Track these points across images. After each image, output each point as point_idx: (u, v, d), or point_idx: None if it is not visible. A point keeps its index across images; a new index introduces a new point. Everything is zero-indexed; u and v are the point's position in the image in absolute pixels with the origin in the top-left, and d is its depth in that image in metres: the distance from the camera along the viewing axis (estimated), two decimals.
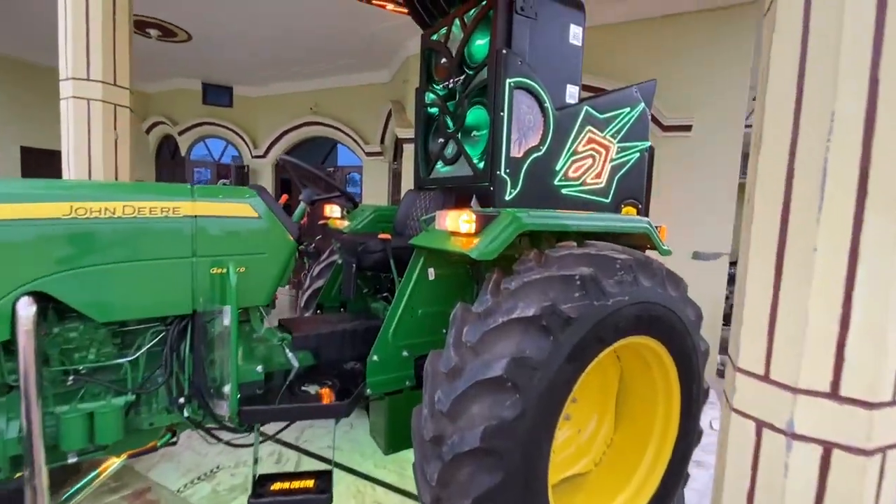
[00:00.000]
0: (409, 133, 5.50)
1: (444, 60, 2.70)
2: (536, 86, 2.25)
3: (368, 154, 7.18)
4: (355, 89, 7.32)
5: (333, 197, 2.28)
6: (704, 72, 4.17)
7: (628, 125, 2.67)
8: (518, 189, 2.26)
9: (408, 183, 5.75)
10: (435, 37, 2.74)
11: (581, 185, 2.52)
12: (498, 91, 2.17)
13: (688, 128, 4.20)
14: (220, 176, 8.26)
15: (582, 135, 2.46)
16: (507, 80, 2.16)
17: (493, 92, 2.19)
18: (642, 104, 2.70)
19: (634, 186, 2.75)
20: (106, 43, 3.01)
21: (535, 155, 2.29)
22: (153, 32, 5.65)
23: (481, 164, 2.32)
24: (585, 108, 2.46)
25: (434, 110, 2.82)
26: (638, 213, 2.80)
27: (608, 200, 2.65)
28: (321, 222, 2.98)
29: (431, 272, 2.00)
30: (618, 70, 4.26)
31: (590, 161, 2.54)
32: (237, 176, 7.83)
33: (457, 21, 2.52)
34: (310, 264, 5.69)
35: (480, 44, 2.41)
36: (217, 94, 8.21)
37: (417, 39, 5.95)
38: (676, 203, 4.32)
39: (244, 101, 8.27)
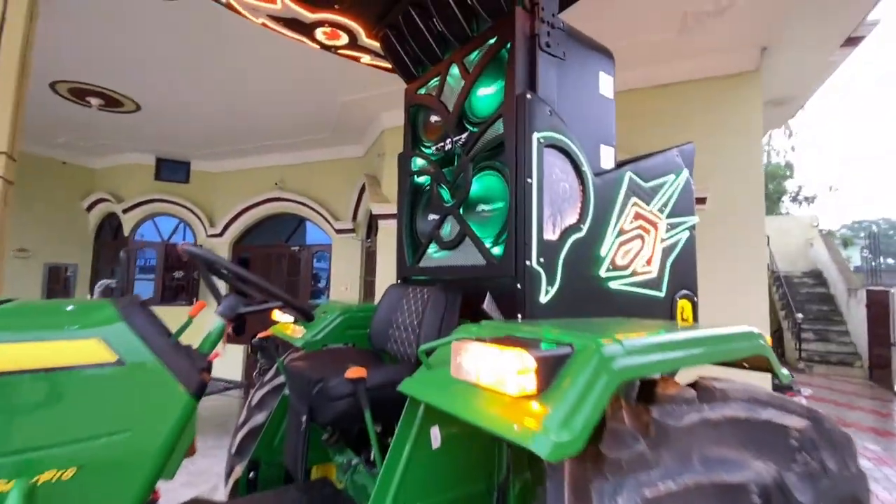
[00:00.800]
0: (386, 208, 4.87)
1: (435, 118, 2.10)
2: (571, 144, 1.63)
3: (339, 231, 6.49)
4: (325, 164, 6.80)
5: (272, 308, 1.48)
6: (711, 140, 3.81)
7: (675, 196, 2.07)
8: (557, 286, 1.54)
9: (384, 264, 5.01)
10: (423, 90, 2.16)
11: (631, 274, 1.84)
12: (523, 150, 1.53)
13: (702, 200, 3.74)
14: (166, 265, 7.28)
15: (627, 208, 1.83)
16: (535, 135, 1.53)
17: (515, 151, 1.55)
18: (686, 171, 2.14)
19: (687, 273, 2.10)
20: None
21: (574, 236, 1.61)
22: (94, 101, 5.02)
23: (498, 251, 1.61)
24: (628, 173, 1.85)
25: (423, 180, 2.16)
26: (694, 309, 2.13)
27: (662, 294, 1.97)
28: (263, 335, 2.10)
29: (436, 435, 1.18)
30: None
31: (638, 243, 1.88)
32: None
33: (453, 67, 1.95)
34: (261, 366, 4.55)
35: (487, 93, 1.82)
36: (172, 170, 7.52)
37: (393, 112, 5.59)
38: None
39: (202, 176, 7.60)
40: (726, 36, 3.57)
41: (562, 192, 1.61)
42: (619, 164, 1.91)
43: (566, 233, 1.60)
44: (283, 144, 6.62)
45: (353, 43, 2.27)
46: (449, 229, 1.92)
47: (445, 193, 1.98)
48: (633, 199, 1.87)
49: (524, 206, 1.51)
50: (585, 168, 1.67)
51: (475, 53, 1.85)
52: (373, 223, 5.98)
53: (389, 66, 2.31)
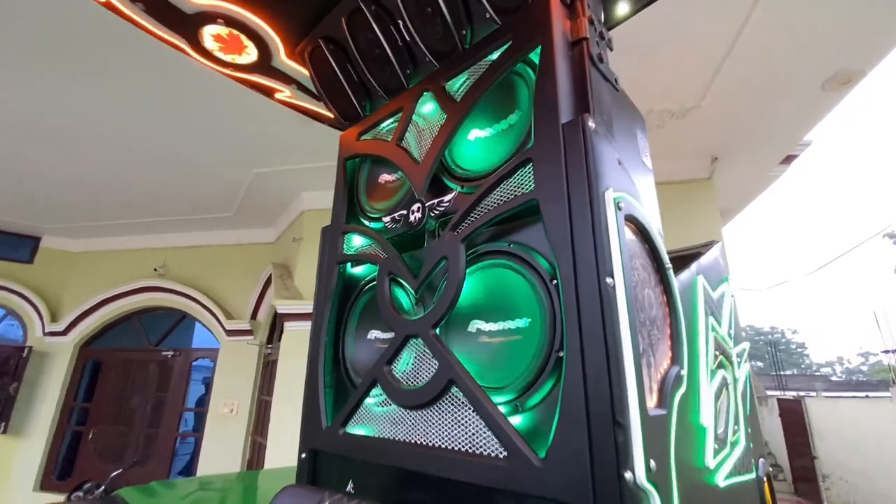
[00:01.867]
0: (296, 307, 3.81)
1: (389, 177, 1.32)
2: (646, 216, 0.91)
3: (230, 333, 5.12)
4: (222, 249, 5.62)
5: None
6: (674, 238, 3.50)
7: (734, 314, 1.43)
8: None
9: (288, 380, 3.79)
10: (369, 136, 1.40)
11: (731, 452, 1.06)
12: (585, 219, 0.76)
13: None
14: None
15: (709, 334, 1.11)
16: (609, 194, 0.78)
17: (570, 223, 0.77)
18: (729, 278, 1.54)
19: (758, 433, 1.40)
20: None
21: (678, 395, 0.82)
22: None
23: (543, 445, 0.75)
24: (700, 278, 1.17)
25: (363, 271, 1.30)
26: (771, 488, 1.38)
27: (753, 476, 1.21)
28: None
29: None
30: None
31: (724, 394, 1.14)
32: None
33: (425, 99, 1.23)
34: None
35: (481, 136, 1.09)
36: (11, 246, 5.79)
37: (321, 193, 4.76)
38: None
39: (54, 256, 5.93)
40: (683, 142, 3.44)
41: (647, 306, 0.84)
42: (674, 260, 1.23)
43: (666, 390, 0.80)
44: (171, 222, 5.40)
45: (266, 63, 1.49)
46: (411, 362, 1.03)
47: (405, 297, 1.13)
48: (711, 319, 1.16)
49: (598, 342, 0.70)
50: (666, 259, 0.95)
51: (464, 76, 1.15)
52: (277, 325, 4.80)
53: (317, 102, 1.55)
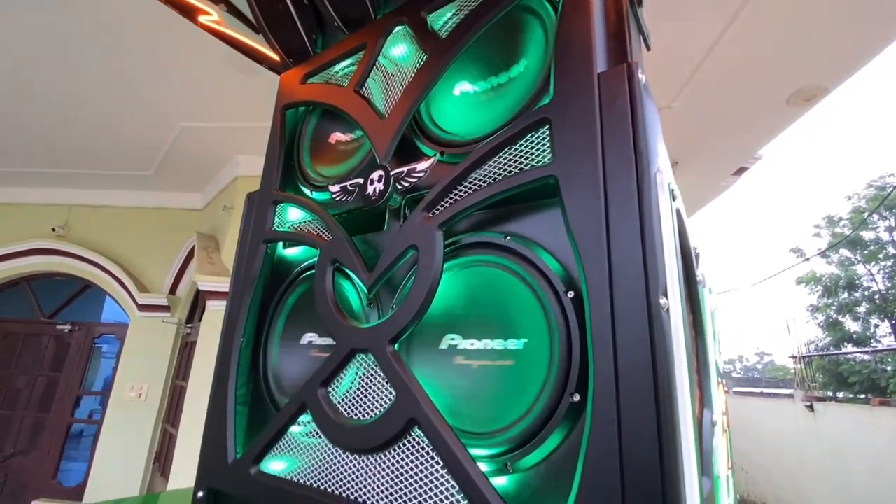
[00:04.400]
0: (221, 284, 3.36)
1: (342, 135, 1.03)
2: (684, 216, 0.70)
3: (143, 308, 4.51)
4: (139, 212, 4.93)
5: None
6: None
7: (715, 325, 1.29)
8: None
9: (205, 363, 3.35)
10: (316, 79, 1.08)
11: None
12: (630, 202, 0.53)
13: None
14: None
15: (718, 365, 0.94)
16: (659, 177, 0.55)
17: (606, 211, 0.54)
18: (711, 290, 1.40)
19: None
20: None
21: (718, 456, 0.61)
22: None
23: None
24: (705, 293, 0.99)
25: (297, 253, 1.00)
26: None
27: None
28: None
29: None
30: None
31: (722, 435, 0.98)
32: None
33: (397, 35, 0.94)
34: None
35: (471, 91, 0.83)
36: None
37: (256, 157, 4.25)
38: None
39: None
40: None
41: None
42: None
43: (707, 450, 0.59)
44: (77, 175, 4.64)
45: None
46: (356, 384, 0.76)
47: (354, 296, 0.85)
48: (719, 347, 1.00)
49: (645, 388, 0.47)
50: (695, 269, 0.74)
51: (452, 8, 0.88)
52: (199, 303, 4.30)
53: (254, 34, 1.20)
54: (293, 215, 1.00)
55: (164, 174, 4.36)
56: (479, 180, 0.69)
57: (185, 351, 4.35)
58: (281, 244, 1.02)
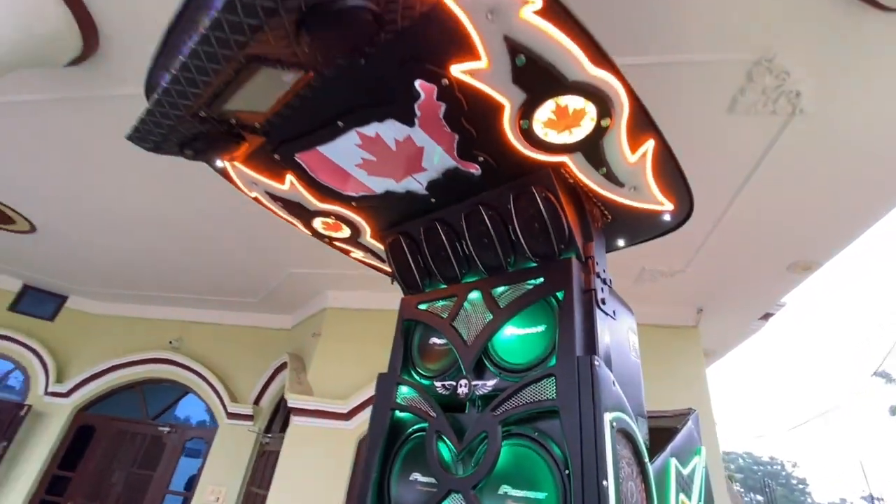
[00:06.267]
0: (306, 402, 4.02)
1: (439, 342, 1.73)
2: (633, 426, 1.29)
3: (231, 416, 5.23)
4: (238, 330, 5.92)
5: None
6: (661, 391, 3.82)
7: (705, 486, 1.75)
8: None
9: (287, 477, 3.88)
10: (425, 305, 1.83)
11: None
12: (591, 434, 1.14)
13: None
14: None
15: None
16: (608, 417, 1.17)
17: (580, 435, 1.16)
18: (703, 449, 1.88)
19: None
20: None
21: None
22: None
23: None
24: (673, 462, 1.51)
25: (406, 415, 1.65)
26: None
27: None
28: None
29: None
30: None
31: None
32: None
33: (474, 293, 1.68)
34: None
35: (519, 335, 1.52)
36: (38, 302, 6.10)
37: (344, 293, 5.16)
38: None
39: (75, 316, 6.21)
40: (671, 293, 3.93)
41: (630, 496, 1.19)
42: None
43: None
44: (194, 299, 5.77)
45: (354, 239, 1.98)
46: None
47: (447, 452, 1.47)
48: (682, 497, 1.49)
49: None
50: (647, 459, 1.31)
51: (505, 288, 1.61)
52: (278, 415, 4.95)
53: (387, 270, 2.01)
54: (404, 392, 1.67)
55: (266, 303, 5.38)
56: (521, 397, 1.33)
57: (262, 459, 4.90)
58: (397, 411, 1.68)
